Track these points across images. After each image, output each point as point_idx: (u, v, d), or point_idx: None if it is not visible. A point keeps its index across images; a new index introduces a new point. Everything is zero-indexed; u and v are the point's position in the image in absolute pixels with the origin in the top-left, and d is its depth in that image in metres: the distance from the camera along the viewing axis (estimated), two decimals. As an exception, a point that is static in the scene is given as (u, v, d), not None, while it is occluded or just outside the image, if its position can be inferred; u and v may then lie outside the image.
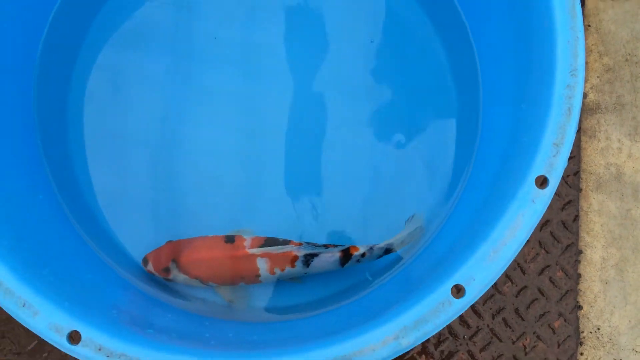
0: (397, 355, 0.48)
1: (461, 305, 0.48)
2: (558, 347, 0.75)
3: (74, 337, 0.47)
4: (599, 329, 0.76)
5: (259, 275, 0.66)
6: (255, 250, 0.65)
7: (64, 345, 0.47)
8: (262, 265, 0.65)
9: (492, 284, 0.48)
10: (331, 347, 0.47)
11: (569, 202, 0.78)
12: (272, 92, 0.74)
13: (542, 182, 0.49)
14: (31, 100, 0.68)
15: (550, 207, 0.77)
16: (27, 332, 0.73)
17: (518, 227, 0.49)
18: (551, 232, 0.77)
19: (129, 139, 0.71)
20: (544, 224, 0.77)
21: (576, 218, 0.77)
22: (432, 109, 0.73)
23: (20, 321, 0.48)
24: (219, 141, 0.73)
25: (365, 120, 0.73)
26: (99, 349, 0.47)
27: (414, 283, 0.54)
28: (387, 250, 0.66)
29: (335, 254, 0.65)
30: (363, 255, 0.65)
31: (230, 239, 0.67)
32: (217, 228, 0.70)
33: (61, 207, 0.67)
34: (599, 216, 0.78)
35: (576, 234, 0.77)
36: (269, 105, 0.74)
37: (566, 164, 0.50)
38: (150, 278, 0.68)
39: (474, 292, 0.48)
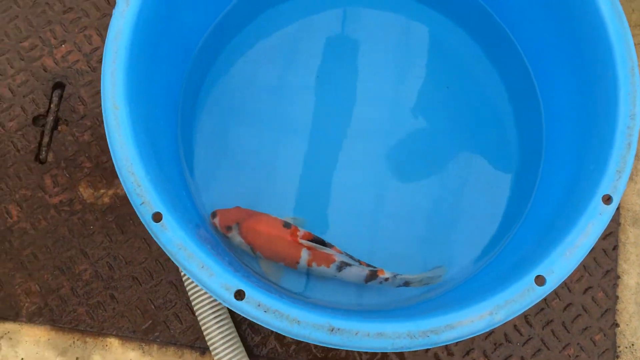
0: (490, 329, 0.60)
1: (542, 292, 0.61)
2: (597, 358, 0.87)
3: (238, 295, 0.60)
4: (633, 344, 0.88)
5: (298, 263, 0.78)
6: (304, 242, 0.77)
7: (231, 302, 0.59)
8: (304, 256, 0.77)
9: (567, 276, 0.61)
10: (440, 317, 0.60)
11: (610, 233, 0.91)
12: (366, 122, 0.89)
13: (607, 199, 0.63)
14: (180, 86, 0.85)
15: (594, 236, 0.90)
16: (143, 313, 0.86)
17: (589, 234, 0.62)
18: (594, 258, 0.90)
19: (236, 125, 0.87)
20: (588, 250, 0.90)
21: (615, 247, 0.90)
22: (496, 142, 0.88)
23: (197, 281, 0.60)
24: (312, 152, 0.87)
25: (440, 150, 0.88)
26: (259, 305, 0.59)
27: (503, 274, 0.67)
28: (407, 283, 0.77)
29: (364, 271, 0.77)
30: (386, 279, 0.76)
31: (287, 225, 0.79)
32: (279, 212, 0.83)
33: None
34: (634, 247, 0.91)
35: (615, 261, 0.90)
36: (360, 130, 0.88)
37: (625, 187, 0.63)
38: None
39: (553, 281, 0.61)
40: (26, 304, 0.86)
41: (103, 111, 0.63)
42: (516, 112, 0.88)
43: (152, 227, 0.61)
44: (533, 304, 0.61)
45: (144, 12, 0.65)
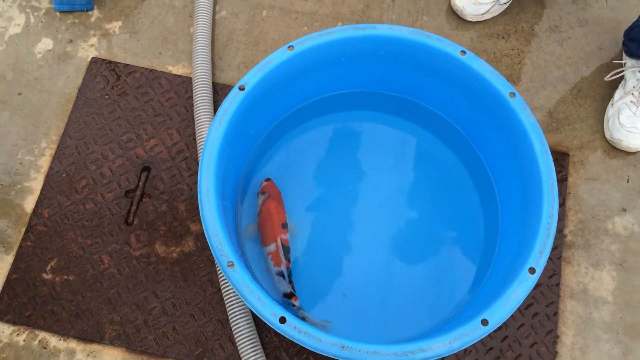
0: (450, 353, 0.89)
1: (485, 330, 0.89)
2: (540, 398, 1.14)
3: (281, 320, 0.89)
4: (568, 390, 1.15)
5: (265, 247, 1.08)
6: (279, 240, 1.07)
7: (276, 324, 0.88)
8: (271, 247, 1.07)
9: (503, 321, 0.90)
10: (417, 343, 0.88)
11: (552, 302, 1.20)
12: (371, 208, 1.20)
13: (532, 270, 0.93)
14: (239, 175, 1.17)
15: (539, 303, 1.19)
16: (196, 342, 1.14)
17: (518, 292, 0.92)
18: (539, 321, 1.19)
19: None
20: (535, 314, 1.19)
21: (556, 313, 1.19)
22: (465, 227, 1.19)
23: (253, 309, 0.88)
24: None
25: (426, 234, 1.19)
26: (294, 327, 0.88)
27: (462, 318, 0.96)
28: (304, 319, 0.98)
29: (287, 288, 1.03)
30: (294, 305, 1.01)
31: (285, 226, 1.10)
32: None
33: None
34: (570, 314, 1.20)
35: (555, 324, 1.19)
36: (362, 214, 1.20)
37: (545, 263, 0.94)
38: None
39: (493, 324, 0.90)
40: (109, 331, 1.14)
41: (199, 193, 0.94)
42: (484, 209, 1.20)
43: (227, 271, 0.91)
44: (480, 338, 0.89)
45: (229, 129, 0.99)
